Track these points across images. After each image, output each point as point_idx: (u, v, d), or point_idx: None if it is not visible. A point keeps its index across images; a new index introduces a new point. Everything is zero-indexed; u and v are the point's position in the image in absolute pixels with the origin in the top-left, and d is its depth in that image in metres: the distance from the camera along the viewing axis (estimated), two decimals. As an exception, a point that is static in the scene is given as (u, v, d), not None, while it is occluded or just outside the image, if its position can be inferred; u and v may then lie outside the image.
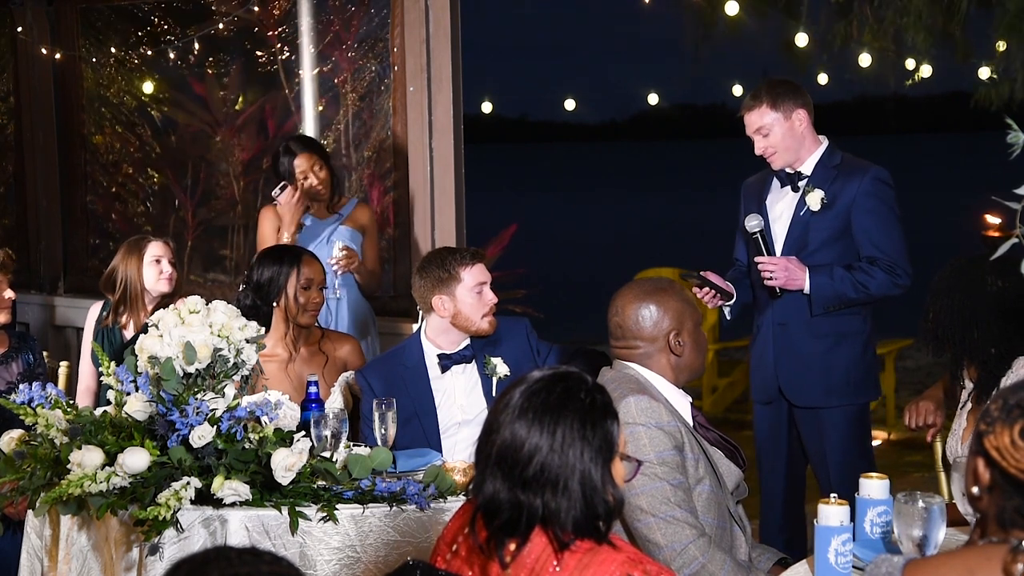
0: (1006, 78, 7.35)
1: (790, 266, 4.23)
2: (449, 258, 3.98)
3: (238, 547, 1.68)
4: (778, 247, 4.36)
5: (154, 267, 4.82)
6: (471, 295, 3.94)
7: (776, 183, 4.42)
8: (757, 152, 4.37)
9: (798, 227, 4.32)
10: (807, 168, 4.35)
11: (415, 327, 4.79)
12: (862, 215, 4.27)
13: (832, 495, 2.78)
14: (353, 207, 5.40)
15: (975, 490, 2.03)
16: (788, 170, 4.38)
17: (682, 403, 3.20)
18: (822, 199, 4.27)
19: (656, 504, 2.97)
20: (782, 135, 4.31)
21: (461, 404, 4.00)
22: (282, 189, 5.15)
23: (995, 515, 2.00)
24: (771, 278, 4.25)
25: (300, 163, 5.25)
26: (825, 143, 4.39)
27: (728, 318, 4.44)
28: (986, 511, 2.02)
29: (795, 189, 4.35)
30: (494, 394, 3.94)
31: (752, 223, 4.32)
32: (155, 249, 4.84)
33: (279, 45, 6.28)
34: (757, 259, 4.30)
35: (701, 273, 4.32)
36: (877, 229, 4.27)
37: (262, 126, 6.48)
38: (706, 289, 4.29)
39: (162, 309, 3.49)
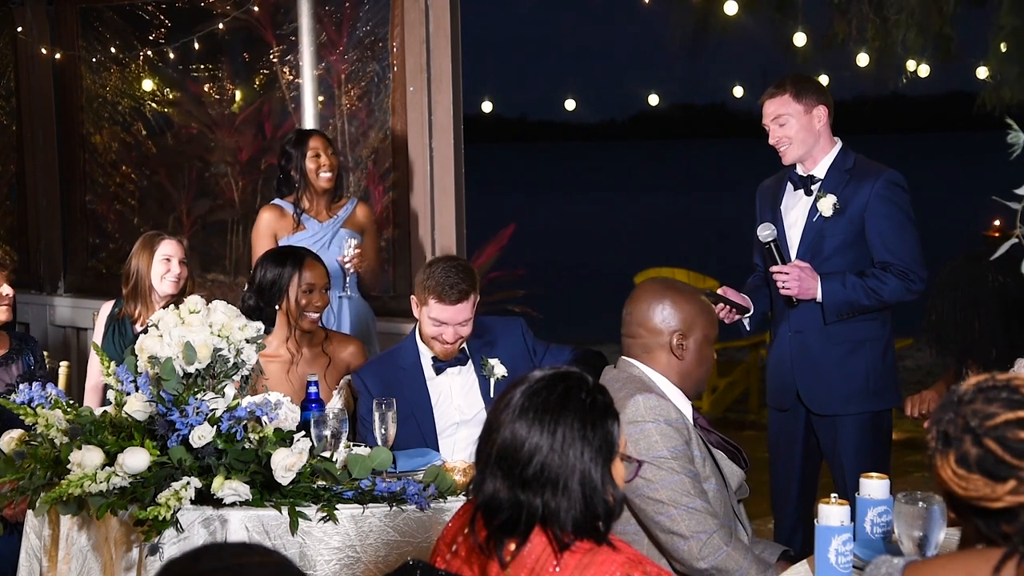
0: (1004, 83, 7.37)
1: (803, 275, 4.19)
2: (435, 280, 3.88)
3: (230, 542, 1.67)
4: (793, 253, 4.31)
5: (163, 265, 4.82)
6: (429, 323, 3.93)
7: (790, 187, 4.37)
8: (771, 142, 4.32)
9: (811, 233, 4.28)
10: (820, 171, 4.31)
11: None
12: (875, 219, 4.22)
13: (832, 495, 2.79)
14: (352, 208, 5.35)
15: (951, 514, 2.04)
16: (801, 172, 4.34)
17: (684, 405, 3.20)
18: (834, 204, 4.22)
19: (677, 496, 2.98)
20: (799, 127, 4.26)
21: (458, 405, 3.99)
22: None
23: (975, 531, 1.99)
24: (785, 286, 4.23)
25: (315, 143, 5.17)
26: (839, 145, 4.33)
27: (747, 330, 4.40)
28: (966, 527, 2.02)
29: (808, 193, 4.31)
30: (492, 395, 3.93)
31: (764, 232, 4.26)
32: (166, 248, 4.85)
33: (279, 45, 6.28)
34: (771, 268, 4.26)
35: (718, 291, 4.29)
36: (890, 233, 4.21)
37: (260, 127, 6.48)
38: (721, 305, 4.25)
39: (163, 309, 3.49)
